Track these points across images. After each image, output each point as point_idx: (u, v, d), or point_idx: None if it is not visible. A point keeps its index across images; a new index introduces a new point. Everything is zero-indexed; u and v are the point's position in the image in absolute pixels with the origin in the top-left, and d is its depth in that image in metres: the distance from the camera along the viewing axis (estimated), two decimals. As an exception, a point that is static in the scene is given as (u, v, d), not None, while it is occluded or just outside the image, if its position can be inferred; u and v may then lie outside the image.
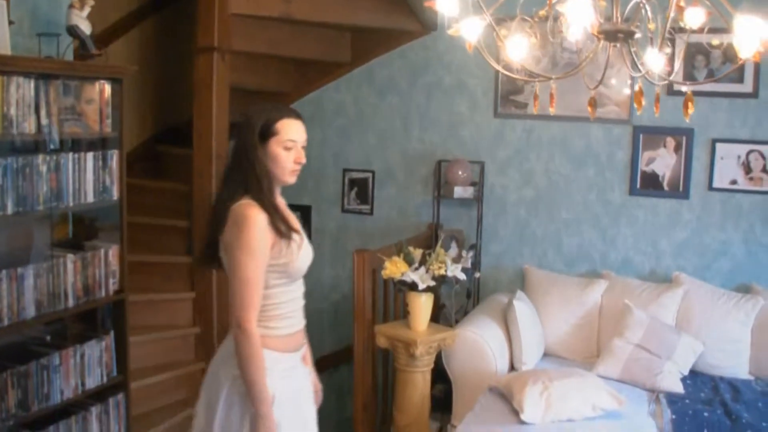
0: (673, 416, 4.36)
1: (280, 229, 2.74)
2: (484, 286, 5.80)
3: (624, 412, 4.26)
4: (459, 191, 5.55)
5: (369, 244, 5.53)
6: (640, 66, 2.29)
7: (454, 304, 5.58)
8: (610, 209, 5.59)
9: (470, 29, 2.37)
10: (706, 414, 4.35)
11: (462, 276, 4.68)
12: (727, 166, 5.37)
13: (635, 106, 2.49)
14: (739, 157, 5.34)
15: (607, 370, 4.84)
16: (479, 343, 4.77)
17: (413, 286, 4.51)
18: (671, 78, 2.43)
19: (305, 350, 3.12)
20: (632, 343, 4.88)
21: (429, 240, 5.56)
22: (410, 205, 5.98)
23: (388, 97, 6.02)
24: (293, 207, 6.06)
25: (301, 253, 2.84)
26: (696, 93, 5.15)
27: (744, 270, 5.39)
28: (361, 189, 6.11)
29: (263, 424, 2.70)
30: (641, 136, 5.47)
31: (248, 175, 2.78)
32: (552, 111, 2.67)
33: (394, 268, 4.52)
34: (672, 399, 4.56)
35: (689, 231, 5.47)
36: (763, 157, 5.29)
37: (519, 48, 2.49)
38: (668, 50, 2.50)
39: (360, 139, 6.09)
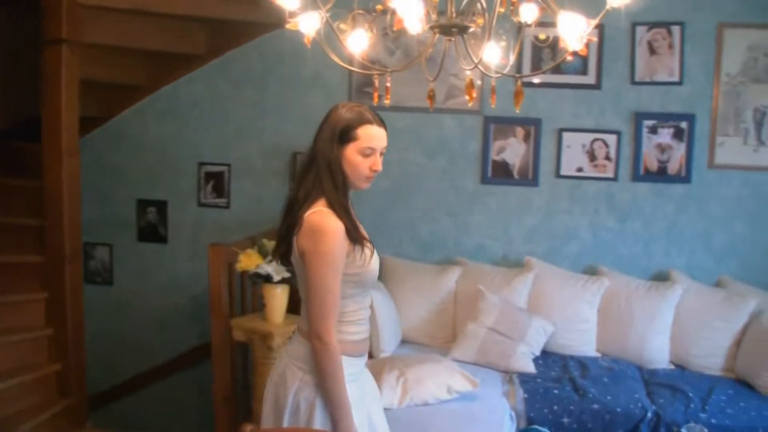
0: (525, 395, 4.54)
1: (354, 237, 2.71)
2: (342, 277, 5.84)
3: (478, 393, 4.40)
4: (315, 183, 5.56)
5: (227, 237, 5.49)
6: (475, 59, 2.36)
7: (313, 295, 5.61)
8: (464, 197, 5.74)
9: (308, 23, 2.40)
10: (556, 391, 4.56)
11: (317, 267, 4.70)
12: (574, 154, 5.59)
13: (471, 96, 2.57)
14: (584, 145, 5.57)
15: (462, 353, 4.98)
16: (337, 333, 4.81)
17: (268, 279, 4.51)
18: (506, 71, 2.51)
19: None
20: (486, 326, 5.04)
21: (287, 232, 5.56)
22: (267, 197, 5.96)
23: (243, 89, 5.97)
24: (147, 202, 6.04)
25: (372, 260, 2.81)
26: (543, 85, 5.44)
27: (591, 253, 5.64)
28: (217, 182, 6.04)
29: None
30: (492, 126, 5.63)
31: (323, 176, 2.72)
32: (387, 103, 2.72)
33: (249, 261, 4.51)
34: (524, 379, 4.75)
35: (539, 217, 5.67)
36: (607, 145, 5.54)
37: (359, 41, 2.53)
38: (503, 44, 2.59)
39: (216, 132, 6.02)
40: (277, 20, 5.52)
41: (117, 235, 6.24)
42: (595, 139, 5.56)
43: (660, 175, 5.52)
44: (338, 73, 5.72)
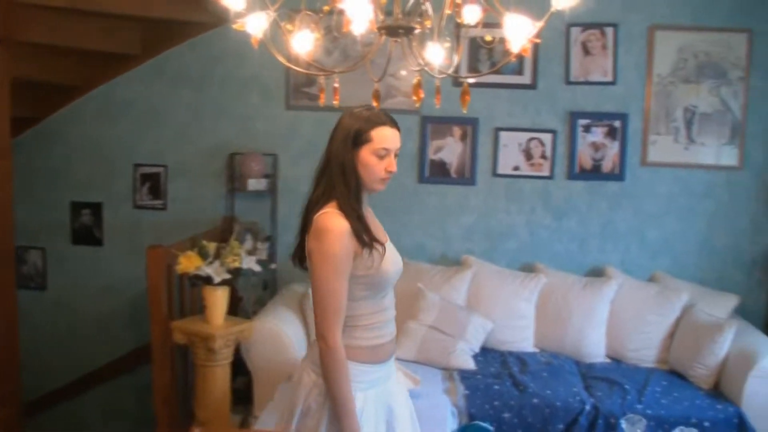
0: (467, 391, 4.59)
1: (363, 239, 2.65)
2: (280, 277, 5.82)
3: (420, 391, 4.41)
4: (253, 184, 5.55)
5: (164, 239, 5.41)
6: (420, 60, 2.39)
7: (252, 296, 5.59)
8: (402, 197, 5.77)
9: (255, 24, 2.39)
10: (496, 387, 4.63)
11: (257, 268, 4.68)
12: (510, 153, 5.67)
13: (418, 97, 2.60)
14: (520, 144, 5.65)
15: (403, 352, 5.00)
16: (277, 333, 4.79)
17: (208, 280, 4.48)
18: (450, 71, 2.54)
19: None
20: (426, 324, 5.08)
21: (225, 233, 5.52)
22: (205, 199, 5.92)
23: (180, 89, 5.91)
24: (81, 204, 5.93)
25: (384, 264, 2.73)
26: (480, 85, 5.49)
27: (527, 250, 5.73)
28: (153, 184, 5.97)
29: None
30: (429, 125, 5.67)
31: (336, 179, 2.69)
32: (336, 104, 2.73)
33: (188, 263, 4.46)
34: (465, 375, 4.80)
35: (476, 215, 5.74)
36: (542, 144, 5.63)
37: (305, 42, 2.54)
38: (447, 45, 2.62)
39: (152, 133, 5.95)
40: (214, 20, 5.54)
41: (50, 238, 6.13)
42: (531, 138, 5.64)
43: (594, 173, 5.64)
44: (276, 73, 5.72)
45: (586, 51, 5.60)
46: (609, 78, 5.61)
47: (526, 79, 5.63)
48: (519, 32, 2.13)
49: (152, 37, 5.87)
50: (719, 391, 4.79)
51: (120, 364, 6.09)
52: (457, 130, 5.66)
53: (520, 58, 5.47)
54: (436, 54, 2.65)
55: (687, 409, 4.52)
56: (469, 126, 5.65)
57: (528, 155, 5.65)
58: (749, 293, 5.69)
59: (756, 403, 4.57)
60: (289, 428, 2.80)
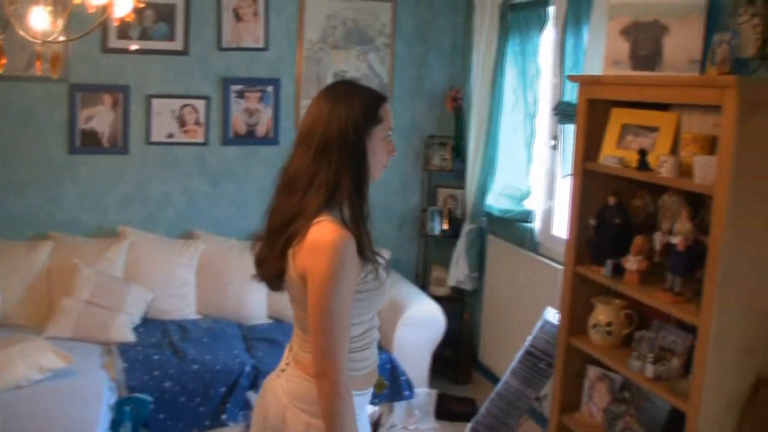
0: (125, 364, 4.56)
1: (366, 253, 2.23)
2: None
3: (75, 368, 4.32)
4: None
5: None
6: (18, 25, 2.30)
7: None
8: (53, 169, 5.48)
9: None
10: (156, 357, 4.64)
11: None
12: (163, 121, 5.59)
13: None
14: (173, 111, 5.60)
15: (58, 330, 4.82)
16: None
17: None
18: (52, 37, 2.47)
19: None
20: (82, 300, 4.93)
21: None
22: None
23: None
24: None
25: (382, 277, 2.33)
26: (130, 51, 5.37)
27: (185, 217, 5.71)
28: None
29: None
30: (78, 94, 5.44)
31: (341, 174, 2.19)
32: None
33: None
34: (124, 348, 4.76)
35: (132, 185, 5.61)
36: (196, 111, 5.62)
37: None
38: (50, 8, 2.54)
39: None
40: None
41: None
42: (185, 105, 5.61)
43: (249, 137, 5.73)
44: None
45: (238, 17, 5.64)
46: (261, 44, 5.70)
47: (178, 45, 5.56)
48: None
49: None
50: (375, 340, 5.10)
51: None
52: (108, 99, 5.48)
53: (171, 23, 5.49)
54: (39, 18, 2.56)
55: (343, 359, 4.77)
56: (120, 94, 5.48)
57: (182, 122, 5.61)
58: (401, 247, 6.09)
59: (405, 348, 4.97)
60: None
